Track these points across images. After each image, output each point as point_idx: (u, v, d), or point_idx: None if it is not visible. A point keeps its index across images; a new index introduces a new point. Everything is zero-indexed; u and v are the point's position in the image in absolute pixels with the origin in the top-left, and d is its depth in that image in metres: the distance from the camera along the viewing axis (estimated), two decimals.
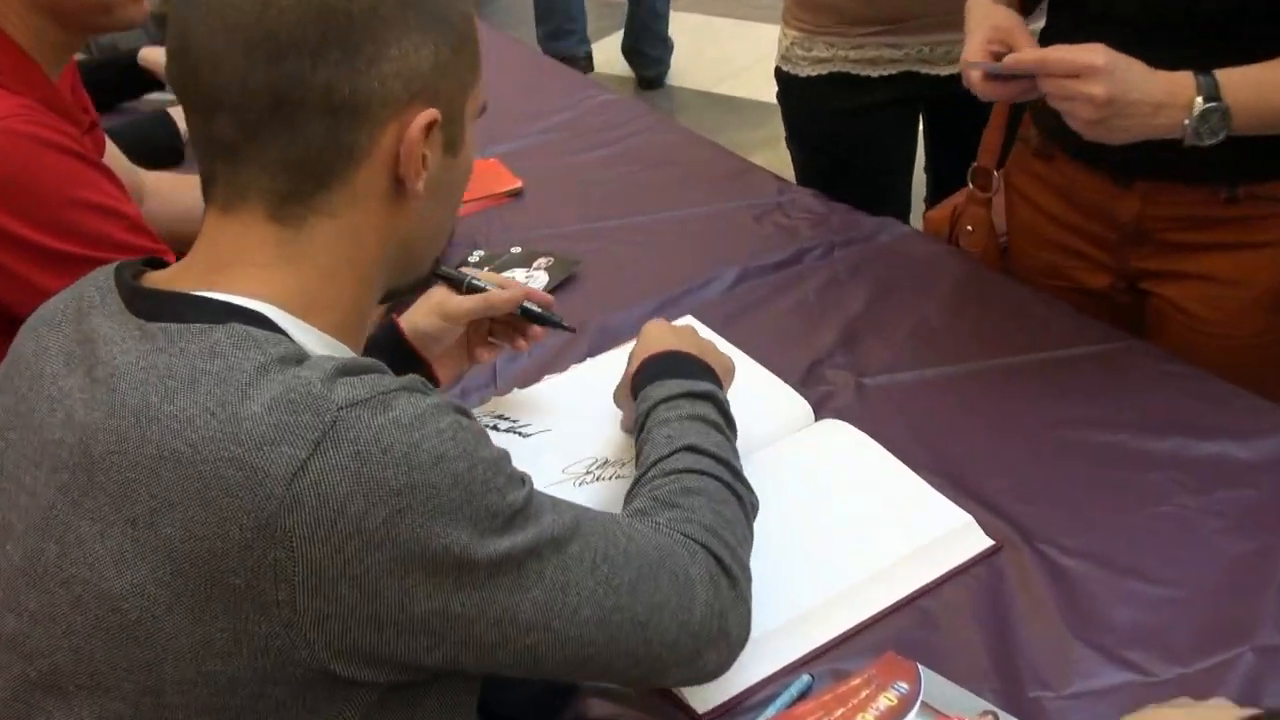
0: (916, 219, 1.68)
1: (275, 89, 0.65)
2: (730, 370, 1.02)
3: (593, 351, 1.25)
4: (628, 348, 1.14)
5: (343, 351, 0.70)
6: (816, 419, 1.12)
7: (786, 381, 1.17)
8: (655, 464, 0.85)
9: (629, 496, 0.85)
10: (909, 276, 1.37)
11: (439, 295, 1.01)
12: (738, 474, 0.86)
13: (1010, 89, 1.04)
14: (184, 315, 0.66)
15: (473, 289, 1.04)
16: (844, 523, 0.98)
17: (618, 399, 1.04)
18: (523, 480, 0.68)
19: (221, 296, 0.67)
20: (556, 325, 1.06)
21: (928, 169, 1.76)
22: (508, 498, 0.66)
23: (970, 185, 1.38)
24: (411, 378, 0.66)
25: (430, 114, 0.68)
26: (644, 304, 1.35)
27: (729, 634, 0.77)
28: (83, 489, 0.64)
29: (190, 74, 0.67)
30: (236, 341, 0.64)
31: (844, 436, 1.09)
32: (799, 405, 1.13)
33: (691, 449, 0.86)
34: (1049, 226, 1.28)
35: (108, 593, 0.63)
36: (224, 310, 0.66)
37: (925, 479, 1.04)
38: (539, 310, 1.06)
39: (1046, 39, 1.15)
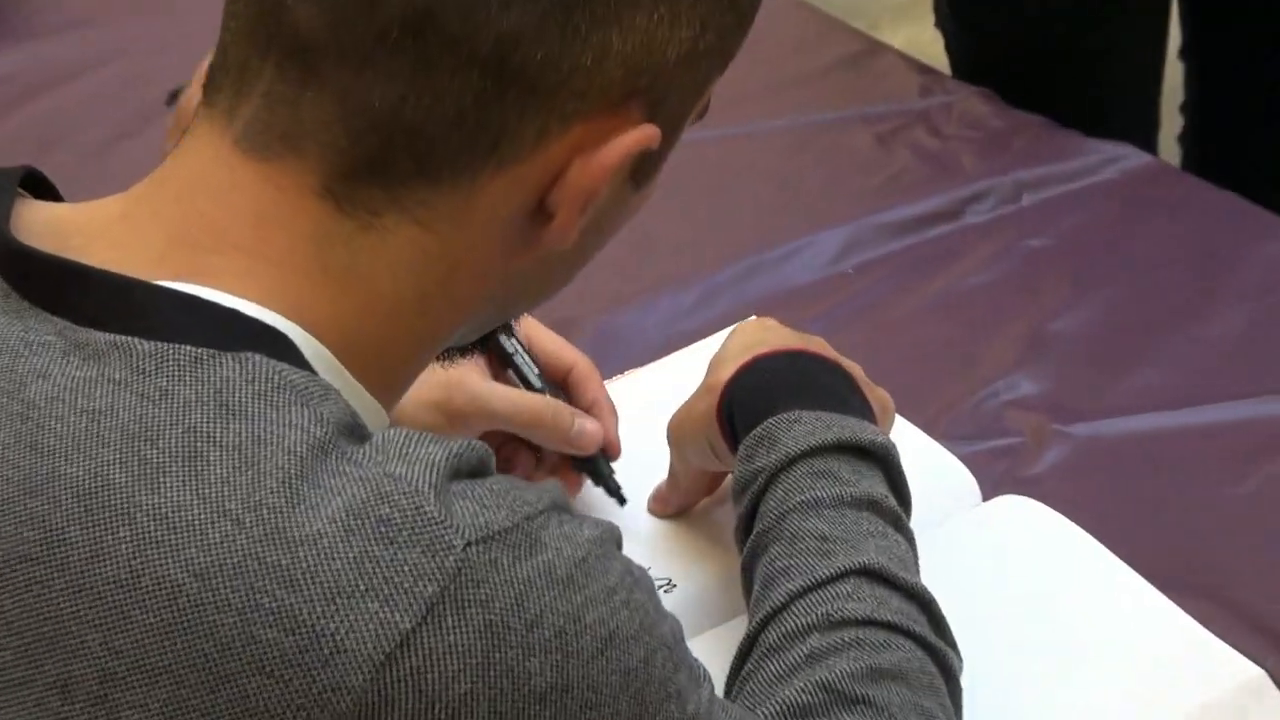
0: (1167, 143, 1.72)
1: (427, 7, 0.68)
2: (890, 409, 1.05)
3: None
4: (653, 371, 1.20)
5: (384, 421, 0.74)
6: (985, 496, 1.14)
7: (931, 433, 1.18)
8: (807, 594, 0.89)
9: (754, 645, 0.89)
10: (1159, 244, 1.38)
11: (449, 375, 1.05)
12: (940, 622, 0.90)
13: None
14: (157, 323, 0.68)
15: (511, 366, 1.08)
16: (1038, 674, 1.00)
17: (682, 438, 1.07)
18: (696, 671, 0.74)
19: (222, 299, 0.69)
20: (616, 495, 1.10)
21: (1187, 54, 1.76)
22: (688, 708, 0.71)
23: None
24: (552, 484, 0.71)
25: (647, 133, 0.73)
26: (677, 291, 1.36)
27: None
28: None
29: None
30: (262, 389, 0.67)
31: (1034, 526, 1.10)
32: (955, 473, 1.15)
33: (870, 575, 0.89)
34: None
35: None
36: (232, 324, 0.69)
37: (1175, 600, 1.04)
38: (608, 470, 1.09)
39: None
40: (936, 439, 1.18)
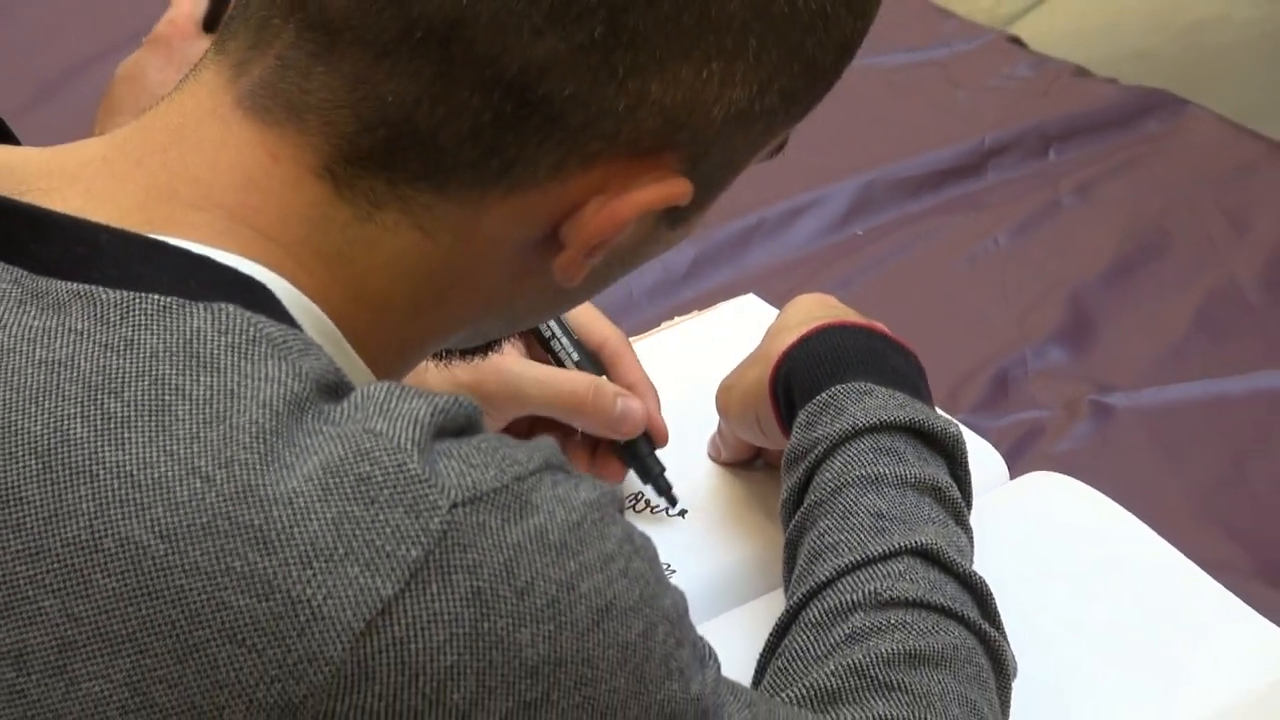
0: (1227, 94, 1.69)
1: (451, 19, 0.69)
2: None
3: None
4: (643, 349, 1.16)
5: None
6: (1014, 474, 1.14)
7: (950, 409, 1.16)
8: (856, 570, 0.91)
9: (793, 621, 0.92)
10: (1204, 204, 1.38)
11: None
12: (995, 617, 0.93)
13: None
14: (125, 273, 0.68)
15: (548, 350, 1.10)
16: (1075, 661, 1.01)
17: (728, 406, 1.10)
18: (701, 649, 0.75)
19: (193, 247, 0.70)
20: (666, 494, 1.11)
21: None
22: (692, 687, 0.72)
23: None
24: (547, 442, 0.72)
25: (673, 190, 0.74)
26: (667, 256, 1.29)
27: None
28: None
29: None
30: (235, 341, 0.67)
31: (1067, 503, 1.11)
32: (978, 451, 1.12)
33: (927, 557, 0.92)
34: None
35: None
36: (203, 272, 0.69)
37: (1229, 584, 1.04)
38: (658, 466, 1.10)
39: None
40: (956, 415, 1.16)
